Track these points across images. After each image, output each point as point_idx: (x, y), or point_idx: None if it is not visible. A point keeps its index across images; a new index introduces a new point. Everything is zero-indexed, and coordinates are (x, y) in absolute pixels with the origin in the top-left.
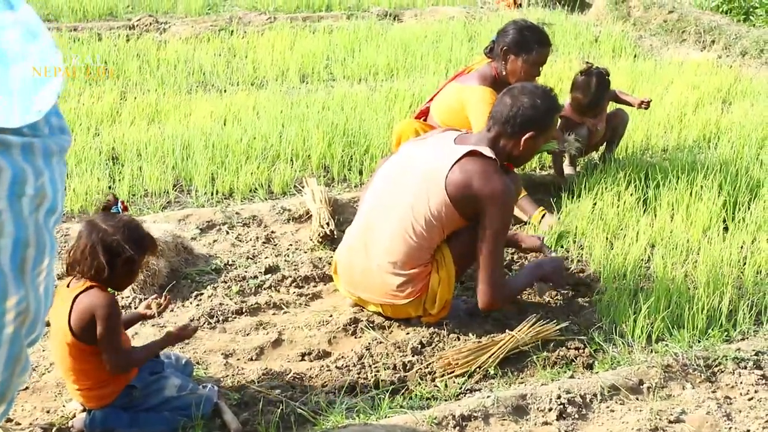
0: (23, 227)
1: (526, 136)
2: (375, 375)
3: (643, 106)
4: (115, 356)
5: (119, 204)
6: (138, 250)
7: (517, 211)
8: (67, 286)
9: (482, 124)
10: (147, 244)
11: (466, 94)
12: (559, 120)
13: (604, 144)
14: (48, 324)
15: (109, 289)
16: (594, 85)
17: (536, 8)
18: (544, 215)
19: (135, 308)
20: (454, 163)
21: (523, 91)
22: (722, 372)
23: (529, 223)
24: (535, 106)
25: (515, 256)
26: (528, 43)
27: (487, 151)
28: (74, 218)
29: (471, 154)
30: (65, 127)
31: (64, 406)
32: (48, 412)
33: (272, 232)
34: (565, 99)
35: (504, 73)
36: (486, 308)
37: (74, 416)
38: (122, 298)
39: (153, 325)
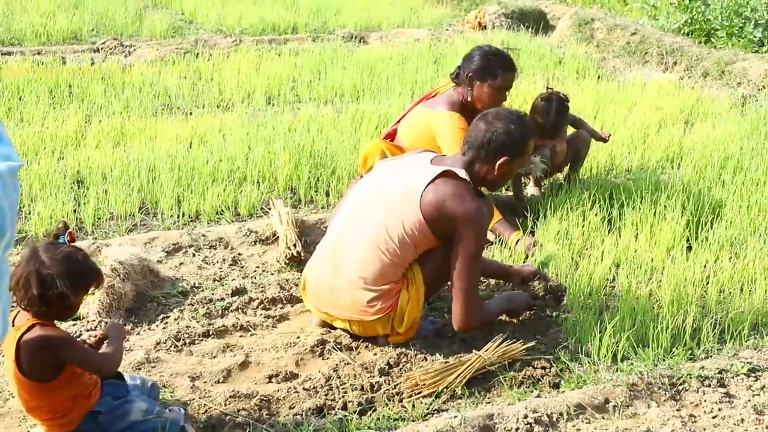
0: None
1: (501, 161)
2: (343, 396)
3: (601, 139)
4: (95, 364)
5: (66, 234)
6: (73, 286)
7: (491, 236)
8: (12, 324)
9: (453, 149)
10: (86, 280)
11: (433, 119)
12: None
13: (568, 165)
14: None
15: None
16: (554, 110)
17: (501, 30)
18: (518, 241)
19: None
20: (429, 183)
21: (497, 117)
22: (686, 390)
23: (497, 243)
24: (509, 132)
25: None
26: (492, 68)
27: (462, 173)
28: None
29: (445, 174)
30: (11, 154)
31: (28, 431)
32: None
33: (239, 254)
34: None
35: (470, 98)
36: (462, 329)
37: None
38: (87, 321)
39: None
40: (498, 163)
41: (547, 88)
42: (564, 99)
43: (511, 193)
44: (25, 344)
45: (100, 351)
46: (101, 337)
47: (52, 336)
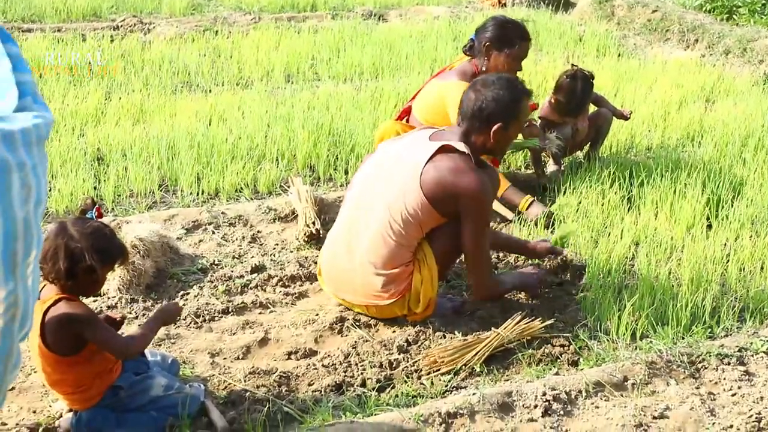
0: (12, 220)
1: (495, 128)
2: (361, 373)
3: (622, 117)
4: (115, 347)
5: (94, 210)
6: (100, 260)
7: (502, 209)
8: (38, 298)
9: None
10: (113, 255)
11: (444, 90)
12: (539, 121)
13: (589, 143)
14: None
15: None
16: (579, 88)
17: (521, 7)
18: (531, 202)
19: (121, 308)
20: (428, 160)
21: (485, 84)
22: (706, 368)
23: (514, 222)
24: (498, 98)
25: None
26: (510, 37)
27: (461, 146)
28: (55, 220)
29: (444, 149)
30: (45, 110)
31: (50, 406)
32: (34, 412)
33: (258, 231)
34: (545, 98)
35: (485, 69)
36: (480, 299)
37: (61, 416)
38: (108, 298)
39: (139, 325)
40: (492, 130)
41: (572, 65)
42: (589, 76)
43: (530, 171)
44: (50, 318)
45: (127, 333)
46: (121, 318)
47: (75, 313)
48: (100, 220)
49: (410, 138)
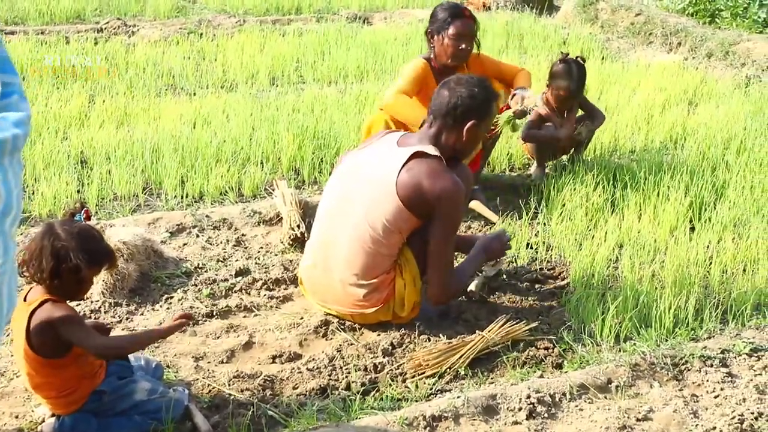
0: None
1: (469, 125)
2: (346, 376)
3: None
4: (98, 348)
5: (83, 212)
6: (86, 260)
7: (486, 212)
8: (24, 299)
9: (400, 85)
10: (100, 256)
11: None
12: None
13: (573, 148)
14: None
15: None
16: (575, 71)
17: (505, 10)
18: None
19: (105, 312)
20: (402, 167)
21: (459, 82)
22: (689, 370)
23: (497, 224)
24: (473, 95)
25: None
26: (441, 21)
27: (431, 150)
28: (41, 223)
29: (416, 155)
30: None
31: (32, 411)
32: (17, 417)
33: (243, 234)
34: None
35: (433, 55)
36: (437, 303)
37: (43, 421)
38: (92, 302)
39: (123, 329)
40: (466, 127)
41: (561, 53)
42: (581, 60)
43: (515, 174)
44: (35, 320)
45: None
46: (108, 327)
47: (59, 314)
48: (88, 222)
49: (377, 146)
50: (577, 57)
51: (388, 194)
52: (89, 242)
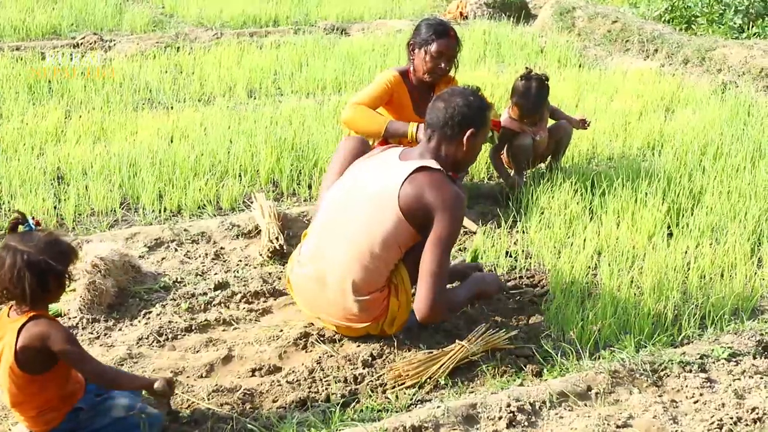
0: None
1: (467, 134)
2: (326, 388)
3: (581, 126)
4: (90, 367)
5: (31, 220)
6: (65, 263)
7: (467, 221)
8: (8, 316)
9: (359, 96)
10: (70, 255)
11: None
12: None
13: (550, 155)
14: None
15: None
16: (534, 88)
17: (482, 19)
18: (418, 126)
19: (83, 328)
20: (404, 181)
21: (453, 93)
22: (668, 376)
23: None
24: (469, 104)
25: None
26: (425, 37)
27: (433, 164)
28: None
29: (418, 170)
30: None
31: (9, 429)
32: None
33: (221, 248)
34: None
35: (412, 68)
36: (426, 318)
37: None
38: (69, 318)
39: (101, 345)
40: (465, 136)
41: (526, 68)
42: (544, 78)
43: (493, 182)
44: (25, 337)
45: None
46: None
47: (53, 330)
48: (39, 227)
49: (379, 160)
50: (538, 74)
51: (388, 207)
52: (57, 246)
